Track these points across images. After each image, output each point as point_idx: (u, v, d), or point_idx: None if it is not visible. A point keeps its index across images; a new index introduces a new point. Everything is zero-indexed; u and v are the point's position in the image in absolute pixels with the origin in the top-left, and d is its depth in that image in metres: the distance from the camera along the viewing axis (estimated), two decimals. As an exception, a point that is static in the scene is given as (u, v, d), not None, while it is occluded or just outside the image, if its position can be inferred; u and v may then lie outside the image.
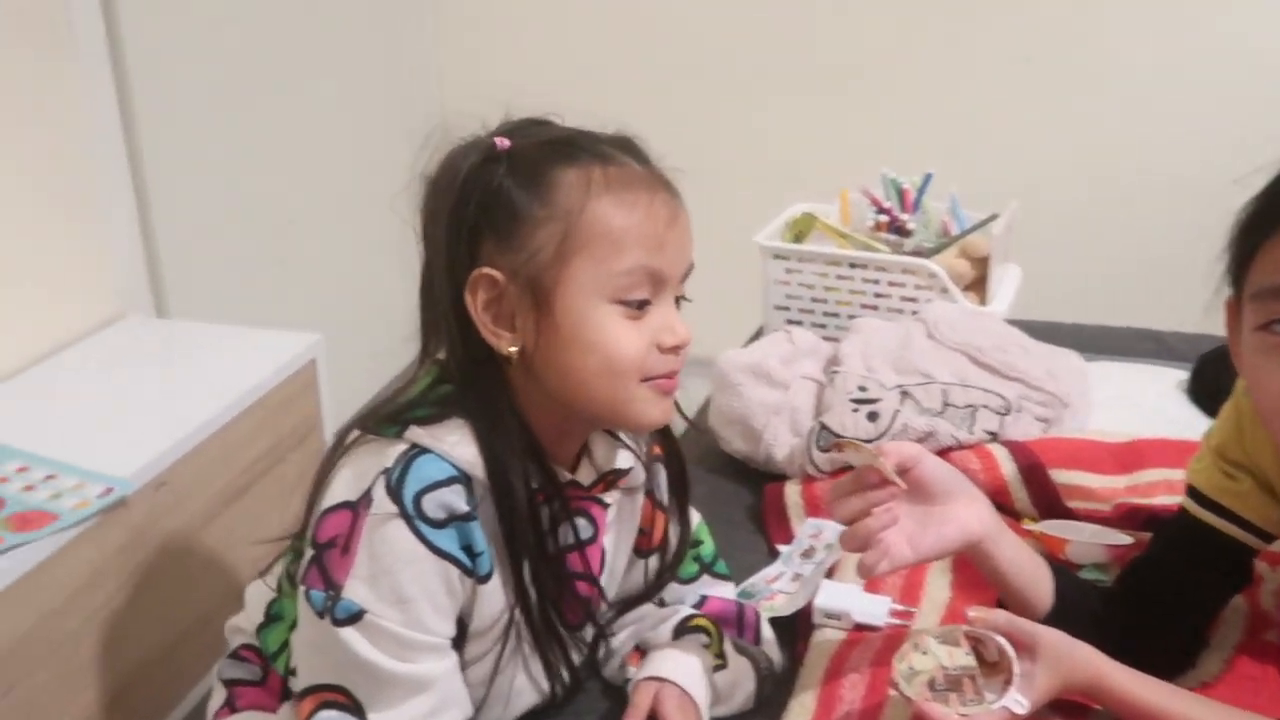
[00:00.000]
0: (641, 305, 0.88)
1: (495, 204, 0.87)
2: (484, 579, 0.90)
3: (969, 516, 0.98)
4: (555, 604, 0.95)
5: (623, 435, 1.00)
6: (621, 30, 2.62)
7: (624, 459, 1.00)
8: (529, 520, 0.90)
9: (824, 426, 1.34)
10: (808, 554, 1.24)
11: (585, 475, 0.98)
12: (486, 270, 0.87)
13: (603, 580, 1.02)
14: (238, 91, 2.07)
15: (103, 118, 1.74)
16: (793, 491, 1.34)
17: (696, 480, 1.42)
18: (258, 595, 1.08)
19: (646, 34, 2.60)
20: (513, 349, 0.88)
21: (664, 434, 1.02)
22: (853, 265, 1.71)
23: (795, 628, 1.14)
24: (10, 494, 1.28)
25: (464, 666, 0.93)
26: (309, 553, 0.89)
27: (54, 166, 1.65)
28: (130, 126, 1.79)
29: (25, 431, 1.41)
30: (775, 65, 2.52)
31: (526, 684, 0.99)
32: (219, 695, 1.07)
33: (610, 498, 1.00)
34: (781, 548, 1.26)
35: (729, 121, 2.58)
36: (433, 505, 0.86)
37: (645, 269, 0.88)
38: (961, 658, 0.91)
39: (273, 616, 1.05)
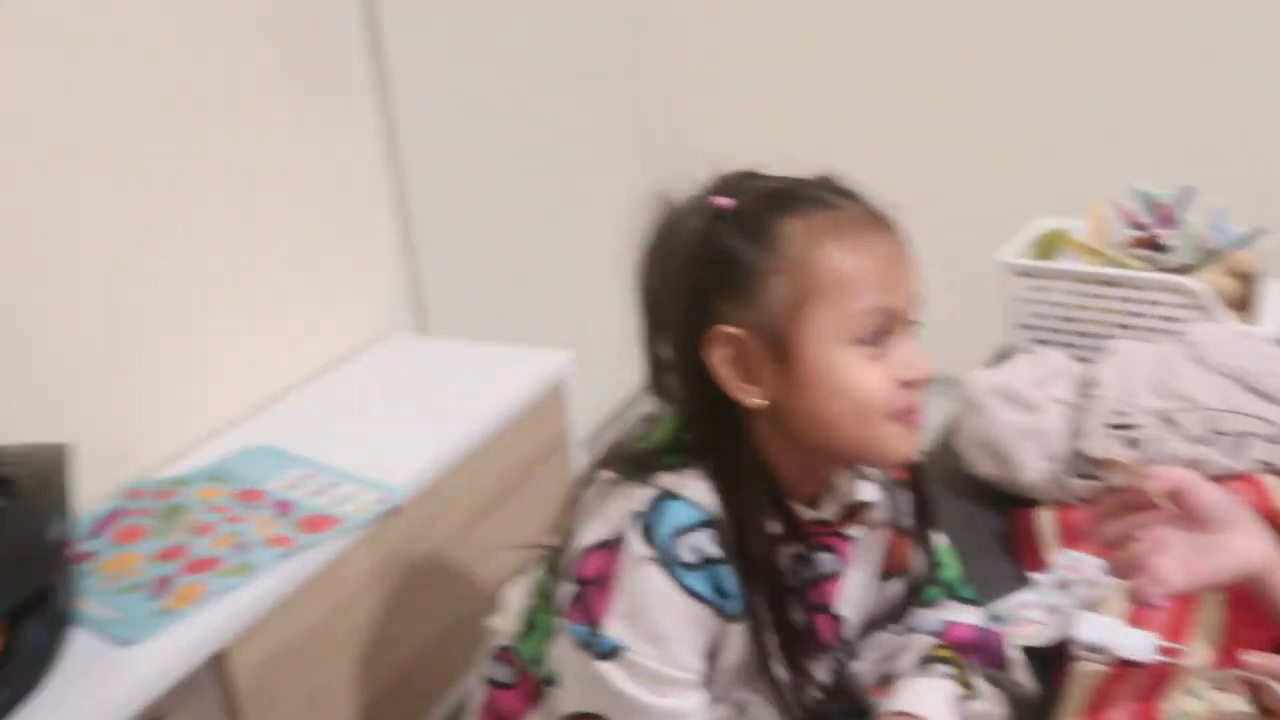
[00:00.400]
0: (880, 343, 0.90)
1: (725, 263, 0.90)
2: (735, 619, 0.93)
3: (1249, 547, 0.93)
4: (803, 641, 0.97)
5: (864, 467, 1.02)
6: (858, 52, 2.62)
7: (867, 491, 1.01)
8: (766, 565, 0.92)
9: (1080, 452, 1.31)
10: (1063, 585, 1.21)
11: (829, 510, 0.99)
12: (725, 328, 0.90)
13: (846, 611, 1.03)
14: (493, 125, 2.19)
15: (372, 150, 1.88)
16: (1045, 518, 1.31)
17: (942, 503, 1.41)
18: (514, 599, 1.14)
19: (883, 53, 2.58)
20: (760, 402, 0.91)
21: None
22: (1106, 283, 1.65)
23: (1048, 660, 1.11)
24: (299, 499, 1.41)
25: (711, 701, 0.96)
26: (571, 587, 0.94)
27: (330, 195, 1.79)
28: (396, 157, 1.92)
29: (307, 441, 1.55)
30: (1016, 74, 2.45)
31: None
32: (480, 693, 1.15)
33: (856, 531, 1.01)
34: (1034, 576, 1.24)
35: (971, 135, 2.53)
36: (685, 549, 0.89)
37: (880, 308, 0.89)
38: (1238, 704, 0.87)
39: (532, 625, 1.10)
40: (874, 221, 0.92)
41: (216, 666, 1.21)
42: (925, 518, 1.06)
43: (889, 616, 1.08)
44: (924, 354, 0.92)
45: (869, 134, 2.64)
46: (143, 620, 1.18)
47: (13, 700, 1.04)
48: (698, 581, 0.90)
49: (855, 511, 1.00)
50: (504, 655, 1.12)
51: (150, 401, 1.51)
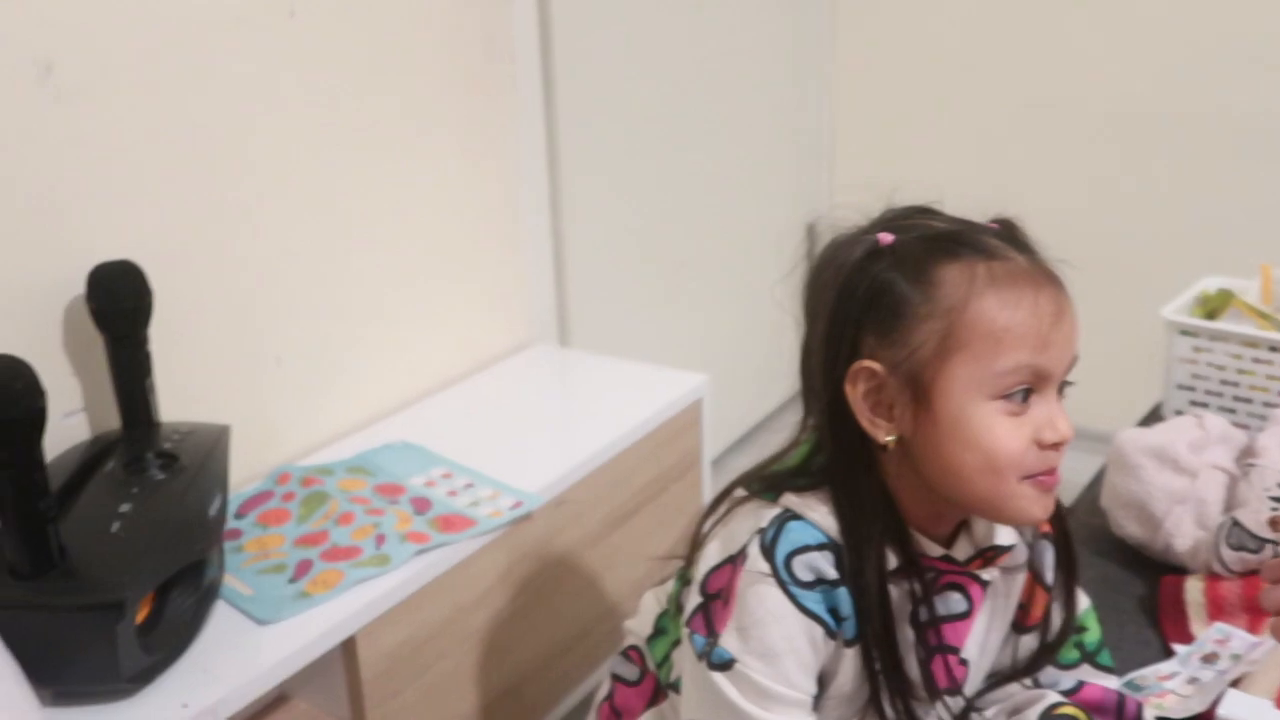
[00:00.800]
0: (1024, 401, 0.87)
1: (879, 299, 0.89)
2: (848, 643, 0.92)
3: None
4: (924, 679, 0.95)
5: None
6: (1020, 96, 2.56)
7: (1005, 536, 0.99)
8: (880, 594, 0.91)
9: (1237, 523, 1.25)
10: (1209, 658, 1.16)
11: (961, 551, 0.97)
12: (868, 363, 0.89)
13: (971, 655, 1.00)
14: (648, 147, 2.21)
15: (533, 165, 1.92)
16: (1194, 588, 1.26)
17: (1084, 563, 1.37)
18: (650, 604, 1.16)
19: (1050, 100, 2.53)
20: (889, 438, 0.90)
21: (1055, 512, 1.00)
22: (1273, 349, 1.58)
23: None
24: (437, 497, 1.44)
25: None
26: (698, 598, 0.95)
27: (490, 208, 1.83)
28: (555, 173, 1.96)
29: (447, 442, 1.58)
30: (1195, 130, 2.37)
31: None
32: (605, 687, 1.18)
33: (989, 574, 0.99)
34: (1178, 647, 1.19)
35: (1140, 189, 2.45)
36: (801, 567, 0.90)
37: (1028, 367, 0.86)
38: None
39: (659, 630, 1.13)
40: (1038, 277, 0.89)
41: (345, 653, 1.24)
42: (1069, 573, 1.03)
43: (1019, 670, 1.05)
44: (1067, 416, 0.89)
45: (1031, 180, 2.58)
46: (281, 601, 1.22)
47: (154, 668, 1.09)
48: (811, 600, 0.90)
49: (990, 555, 0.98)
50: (632, 654, 1.15)
51: (304, 391, 1.56)
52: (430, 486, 1.47)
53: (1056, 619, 1.04)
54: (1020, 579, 1.03)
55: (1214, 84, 2.33)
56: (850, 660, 0.93)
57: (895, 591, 0.93)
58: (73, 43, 1.21)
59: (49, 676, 1.03)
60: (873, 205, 0.96)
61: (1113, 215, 2.50)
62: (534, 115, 1.90)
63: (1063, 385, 0.90)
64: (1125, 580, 1.34)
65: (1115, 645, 1.22)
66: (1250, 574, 1.25)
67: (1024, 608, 1.04)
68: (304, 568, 1.28)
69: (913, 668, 0.94)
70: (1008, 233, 0.93)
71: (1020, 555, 1.01)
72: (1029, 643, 1.05)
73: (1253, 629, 1.19)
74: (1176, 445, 1.34)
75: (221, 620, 1.20)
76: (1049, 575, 1.03)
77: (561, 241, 2.00)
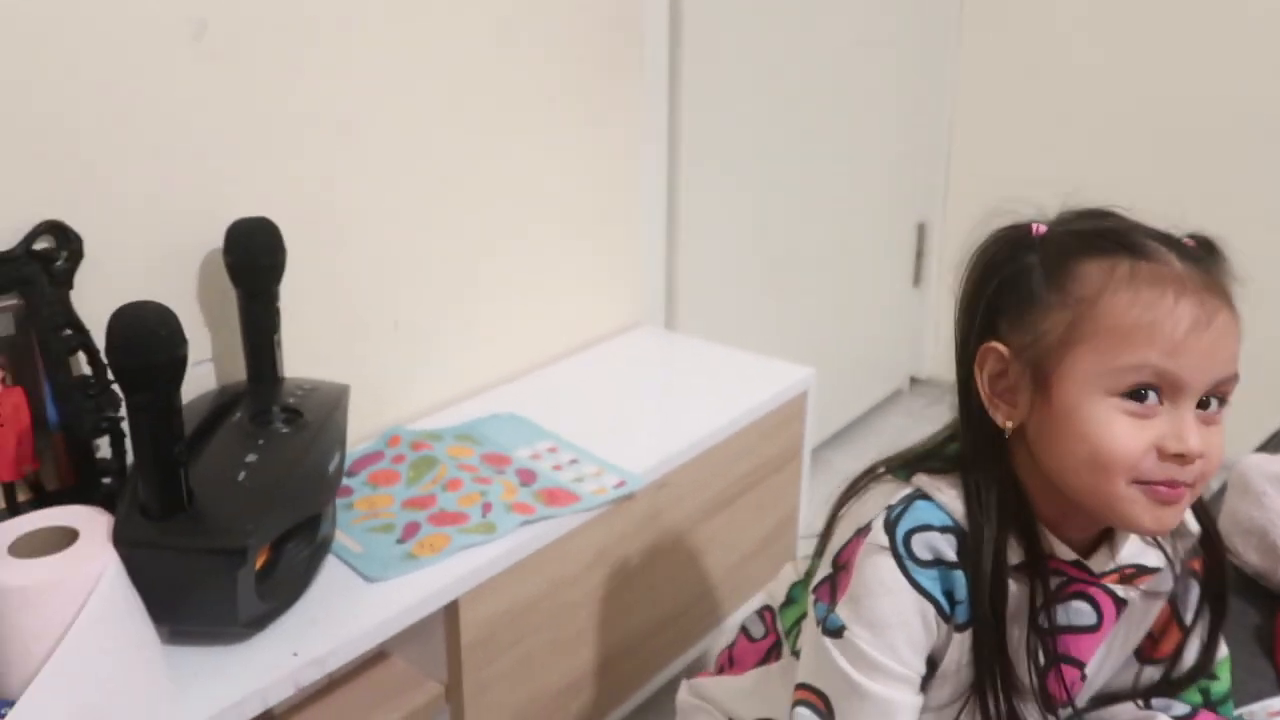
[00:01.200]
0: (1149, 404, 0.85)
1: (1016, 284, 0.90)
2: (960, 627, 0.92)
3: None
4: (1039, 685, 0.93)
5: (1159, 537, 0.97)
6: (1142, 106, 2.50)
7: (1152, 558, 0.97)
8: (991, 584, 0.90)
9: (1365, 558, 1.21)
10: None
11: (1099, 562, 0.95)
12: (996, 345, 0.90)
13: (1090, 670, 0.99)
14: (766, 140, 2.20)
15: (653, 149, 1.93)
16: (1314, 621, 1.22)
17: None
18: (788, 573, 1.19)
19: (1175, 109, 2.46)
20: (1009, 423, 0.90)
21: (1209, 546, 0.97)
22: None
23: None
24: (543, 470, 1.45)
25: (924, 709, 0.95)
26: (828, 569, 0.97)
27: (608, 191, 1.85)
28: (673, 158, 1.97)
29: (554, 416, 1.60)
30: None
31: None
32: (730, 636, 1.22)
33: (1126, 593, 0.97)
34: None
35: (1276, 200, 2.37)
36: (920, 545, 0.90)
37: (1154, 369, 0.84)
38: None
39: (790, 598, 1.16)
40: (1189, 283, 0.86)
41: (447, 616, 1.27)
42: (1217, 615, 1.01)
43: (1131, 694, 1.03)
44: (1199, 432, 0.85)
45: (1157, 187, 2.51)
46: (389, 561, 1.25)
47: (268, 615, 1.12)
48: (926, 578, 0.90)
49: (1130, 573, 0.96)
50: (765, 614, 1.18)
51: (418, 357, 1.59)
52: (536, 459, 1.49)
53: (1189, 657, 1.02)
54: (1158, 607, 1.01)
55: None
56: (959, 646, 0.93)
57: (1015, 587, 0.91)
58: (226, 2, 1.24)
59: (169, 615, 1.07)
60: (1048, 204, 0.95)
61: (1245, 225, 2.42)
62: (658, 99, 1.91)
63: (1210, 401, 0.87)
64: (1241, 610, 1.30)
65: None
66: (1375, 612, 1.20)
67: (1153, 638, 1.02)
68: (411, 529, 1.31)
69: (1026, 670, 0.93)
70: (1177, 241, 0.90)
71: (1165, 583, 0.99)
72: (1151, 673, 1.03)
73: (1375, 669, 1.15)
74: (1305, 473, 1.30)
75: (332, 575, 1.23)
76: (1189, 613, 1.01)
77: (675, 226, 2.01)
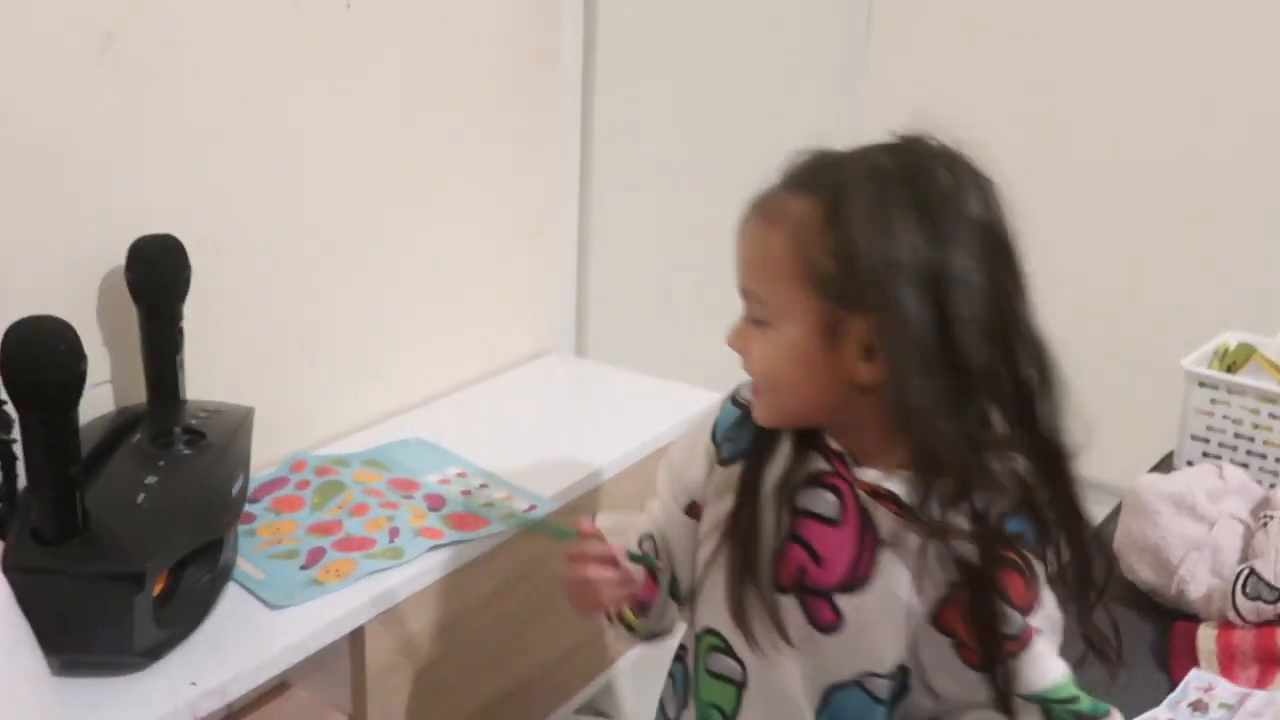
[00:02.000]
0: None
1: None
2: (723, 461, 1.01)
3: None
4: (772, 559, 0.95)
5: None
6: (1053, 139, 2.58)
7: (898, 488, 0.92)
8: (765, 437, 0.98)
9: (1254, 573, 1.25)
10: (1197, 706, 1.16)
11: (864, 473, 0.93)
12: None
13: (847, 608, 0.95)
14: (680, 163, 2.23)
15: (566, 174, 1.93)
16: (1206, 636, 1.26)
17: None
18: None
19: (1081, 152, 2.55)
20: None
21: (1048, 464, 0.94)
22: (1290, 405, 1.59)
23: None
24: (452, 495, 1.44)
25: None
26: None
27: (520, 216, 1.85)
28: (586, 183, 1.97)
29: (463, 442, 1.58)
30: (1227, 185, 2.38)
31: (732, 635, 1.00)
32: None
33: (876, 509, 0.94)
34: (1170, 695, 1.19)
35: (1169, 240, 2.47)
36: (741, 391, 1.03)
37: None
38: None
39: None
40: (757, 198, 0.97)
41: (352, 643, 1.24)
42: (1073, 527, 0.94)
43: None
44: (746, 336, 0.96)
45: (1059, 235, 2.60)
46: (293, 588, 1.22)
47: (166, 643, 1.08)
48: (724, 411, 1.04)
49: (881, 491, 0.93)
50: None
51: (325, 381, 1.57)
52: (445, 484, 1.47)
53: (1035, 677, 0.96)
54: (933, 554, 0.92)
55: (1241, 147, 2.35)
56: (719, 493, 1.01)
57: (786, 454, 0.97)
58: (136, 13, 1.22)
59: (61, 645, 1.03)
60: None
61: (1137, 264, 2.51)
62: (570, 124, 1.91)
63: (756, 318, 0.95)
64: (1136, 625, 1.34)
65: (1121, 689, 1.22)
66: (1265, 624, 1.25)
67: (946, 606, 0.95)
68: (316, 555, 1.28)
69: (766, 532, 0.96)
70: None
71: (905, 536, 0.93)
72: (954, 646, 0.95)
73: (1264, 680, 1.19)
74: (1195, 492, 1.35)
75: (233, 603, 1.19)
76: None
77: (586, 253, 2.01)
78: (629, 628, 1.10)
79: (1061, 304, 2.42)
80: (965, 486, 0.89)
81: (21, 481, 1.11)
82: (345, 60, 1.48)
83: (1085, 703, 0.99)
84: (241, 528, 1.31)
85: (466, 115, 1.69)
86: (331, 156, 1.49)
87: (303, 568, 1.25)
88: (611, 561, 1.01)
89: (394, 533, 1.33)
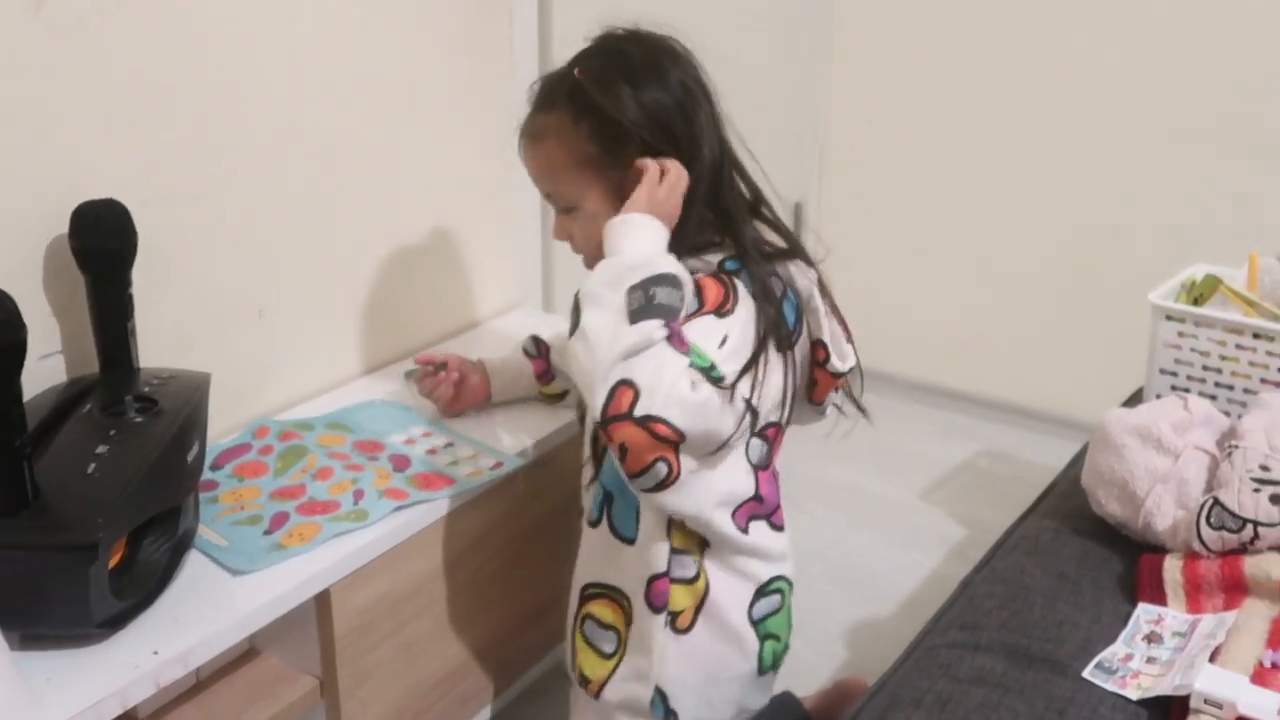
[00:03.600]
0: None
1: None
2: None
3: None
4: None
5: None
6: (1010, 88, 2.56)
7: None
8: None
9: (1218, 503, 1.25)
10: (1152, 639, 1.17)
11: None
12: None
13: None
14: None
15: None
16: (1173, 567, 1.26)
17: (1063, 542, 1.38)
18: None
19: (1038, 91, 2.52)
20: None
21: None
22: (1257, 335, 1.58)
23: (1169, 711, 1.08)
24: (417, 455, 1.43)
25: None
26: None
27: (480, 164, 1.82)
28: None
29: (427, 401, 1.56)
30: (1193, 118, 2.36)
31: None
32: None
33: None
34: (1124, 631, 1.20)
35: (1133, 174, 2.45)
36: None
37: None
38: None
39: None
40: (521, 136, 1.27)
41: (319, 607, 1.23)
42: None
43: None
44: (567, 223, 1.27)
45: (1022, 163, 2.58)
46: (255, 553, 1.21)
47: (126, 614, 1.07)
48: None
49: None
50: None
51: (285, 345, 1.55)
52: (410, 444, 1.46)
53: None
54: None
55: (1207, 78, 2.33)
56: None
57: None
58: (64, -26, 1.18)
59: (18, 619, 1.02)
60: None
61: (1103, 200, 2.50)
62: (529, 73, 1.88)
63: (564, 208, 1.26)
64: (1105, 558, 1.34)
65: (1094, 620, 1.22)
66: (1229, 554, 1.25)
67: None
68: (279, 520, 1.27)
69: None
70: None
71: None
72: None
73: (1229, 607, 1.20)
74: (1160, 425, 1.35)
75: (195, 571, 1.18)
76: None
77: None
78: (551, 397, 1.56)
79: (1030, 243, 2.44)
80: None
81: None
82: (286, 14, 1.44)
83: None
84: (203, 495, 1.30)
85: (419, 65, 1.66)
86: (279, 110, 1.46)
87: (266, 533, 1.24)
88: (436, 361, 1.50)
89: (358, 495, 1.32)
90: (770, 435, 1.24)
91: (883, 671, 1.24)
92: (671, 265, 1.12)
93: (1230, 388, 1.61)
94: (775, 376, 1.19)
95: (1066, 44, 2.48)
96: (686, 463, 1.10)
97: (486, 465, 1.41)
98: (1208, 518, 1.26)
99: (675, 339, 1.09)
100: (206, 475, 1.34)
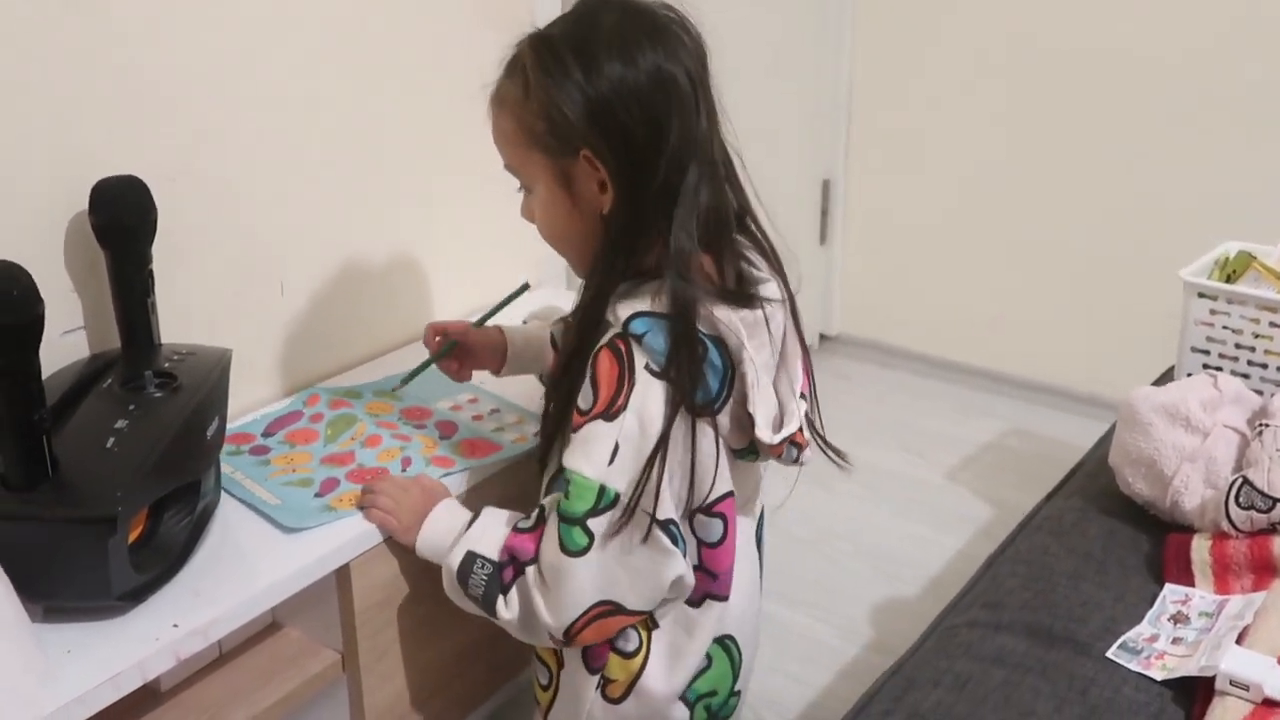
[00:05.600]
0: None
1: None
2: None
3: None
4: None
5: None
6: (1041, 58, 2.52)
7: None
8: None
9: (1247, 482, 1.23)
10: (1178, 619, 1.16)
11: None
12: None
13: None
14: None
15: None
16: (1200, 546, 1.24)
17: (1089, 521, 1.36)
18: None
19: (1071, 62, 2.48)
20: None
21: None
22: (1291, 313, 1.55)
23: (1194, 692, 1.06)
24: (463, 421, 1.44)
25: None
26: None
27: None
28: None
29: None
30: (1226, 91, 2.32)
31: None
32: None
33: None
34: (1150, 611, 1.19)
35: (1164, 149, 2.41)
36: None
37: None
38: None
39: None
40: (489, 100, 1.14)
41: (340, 581, 1.23)
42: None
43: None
44: (528, 204, 1.14)
45: (1054, 138, 2.55)
46: (306, 512, 1.22)
47: (147, 586, 1.08)
48: None
49: None
50: None
51: (334, 316, 1.58)
52: (456, 410, 1.47)
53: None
54: None
55: (1237, 49, 2.29)
56: None
57: None
58: (85, -51, 1.18)
59: (40, 591, 1.03)
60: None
61: (1134, 176, 2.46)
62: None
63: (521, 186, 1.15)
64: (1132, 538, 1.33)
65: (1118, 599, 1.21)
66: (1258, 534, 1.23)
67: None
68: (330, 485, 1.28)
69: None
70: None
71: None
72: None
73: (1258, 588, 1.18)
74: (1189, 403, 1.33)
75: (216, 545, 1.19)
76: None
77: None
78: None
79: (1059, 218, 2.41)
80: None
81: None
82: (341, 26, 1.45)
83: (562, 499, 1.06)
84: (255, 459, 1.33)
85: (435, 39, 1.65)
86: (307, 87, 1.46)
87: (317, 495, 1.26)
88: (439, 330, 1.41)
89: (406, 462, 1.33)
90: (723, 509, 1.10)
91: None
92: (453, 550, 1.12)
93: (1264, 366, 1.58)
94: (706, 443, 1.05)
95: (1096, 14, 2.44)
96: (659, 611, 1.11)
97: (530, 431, 1.41)
98: (1236, 497, 1.24)
99: (509, 571, 1.09)
100: (258, 441, 1.37)
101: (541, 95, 1.04)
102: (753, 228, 1.14)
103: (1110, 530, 1.34)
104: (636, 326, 1.03)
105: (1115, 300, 2.54)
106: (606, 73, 1.02)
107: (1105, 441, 1.59)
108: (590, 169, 1.05)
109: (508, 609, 1.08)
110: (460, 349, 1.40)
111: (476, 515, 1.16)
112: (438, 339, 1.42)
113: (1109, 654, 1.13)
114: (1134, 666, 1.11)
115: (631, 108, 1.02)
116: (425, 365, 1.44)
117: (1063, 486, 1.54)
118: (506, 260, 1.88)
